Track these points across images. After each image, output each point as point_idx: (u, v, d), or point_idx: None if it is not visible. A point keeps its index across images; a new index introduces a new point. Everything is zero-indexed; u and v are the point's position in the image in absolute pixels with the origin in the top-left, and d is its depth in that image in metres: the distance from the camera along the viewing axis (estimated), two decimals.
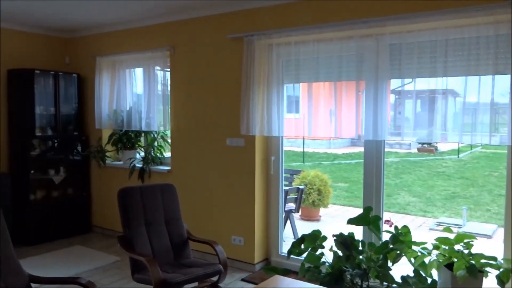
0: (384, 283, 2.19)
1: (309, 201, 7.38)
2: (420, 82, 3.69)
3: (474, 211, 8.87)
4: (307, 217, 7.68)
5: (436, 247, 2.17)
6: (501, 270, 2.02)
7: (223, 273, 3.55)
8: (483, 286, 2.02)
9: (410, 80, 3.77)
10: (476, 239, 2.19)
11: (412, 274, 2.24)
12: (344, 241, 2.28)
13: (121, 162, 5.91)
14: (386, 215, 5.55)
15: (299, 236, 2.36)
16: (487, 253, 2.07)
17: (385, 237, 2.33)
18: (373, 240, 3.56)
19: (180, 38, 5.10)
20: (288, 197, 5.96)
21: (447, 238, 2.14)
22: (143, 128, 5.52)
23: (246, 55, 4.41)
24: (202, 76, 4.96)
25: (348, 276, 2.20)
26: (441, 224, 7.63)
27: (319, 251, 2.35)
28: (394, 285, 2.19)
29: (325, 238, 2.38)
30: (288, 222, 6.19)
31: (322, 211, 7.98)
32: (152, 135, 5.80)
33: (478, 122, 3.41)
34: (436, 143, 12.47)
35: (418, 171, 12.41)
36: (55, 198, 5.82)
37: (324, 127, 4.29)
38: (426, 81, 3.64)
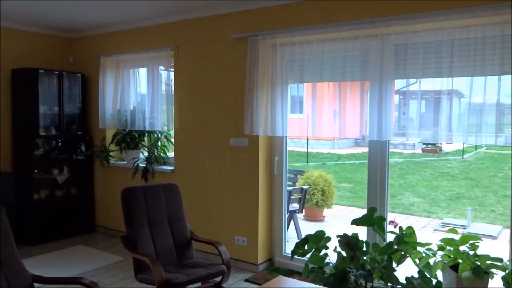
0: (389, 284, 2.17)
1: (312, 201, 7.36)
2: (425, 83, 3.67)
3: (479, 212, 8.84)
4: (310, 218, 7.67)
5: (441, 248, 2.15)
6: (507, 271, 2.00)
7: (227, 273, 3.55)
8: (488, 287, 2.01)
9: (415, 80, 3.75)
10: (481, 240, 2.17)
11: (416, 275, 2.22)
12: (348, 241, 2.26)
13: (125, 162, 5.92)
14: (390, 216, 5.53)
15: (303, 236, 2.34)
16: (492, 254, 2.05)
17: (390, 238, 2.31)
18: (378, 241, 3.55)
19: (184, 38, 5.09)
20: (291, 197, 5.94)
21: (452, 239, 2.12)
22: (147, 128, 5.52)
23: (250, 55, 4.40)
24: (206, 76, 4.95)
25: (352, 277, 2.19)
26: (445, 225, 7.60)
27: (323, 252, 2.33)
28: (399, 286, 2.17)
29: (329, 238, 2.37)
30: (292, 222, 6.18)
31: (326, 211, 7.97)
32: (155, 135, 5.80)
33: (483, 122, 3.39)
34: (441, 143, 12.44)
35: (423, 172, 12.38)
36: (59, 197, 5.83)
37: (328, 127, 4.27)
38: (431, 82, 3.62)
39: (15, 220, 5.40)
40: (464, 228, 7.31)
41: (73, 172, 5.99)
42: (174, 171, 5.33)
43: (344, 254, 2.26)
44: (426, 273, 2.20)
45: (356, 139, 14.72)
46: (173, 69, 5.26)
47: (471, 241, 2.10)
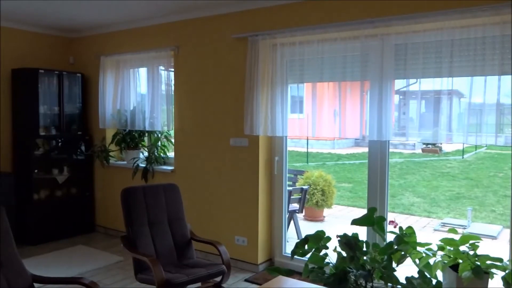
0: (389, 284, 2.17)
1: (312, 201, 7.36)
2: (425, 83, 3.67)
3: (479, 212, 8.84)
4: (310, 218, 7.67)
5: (441, 248, 2.15)
6: (507, 271, 2.00)
7: (227, 273, 3.55)
8: (488, 287, 2.01)
9: (415, 80, 3.75)
10: (481, 240, 2.17)
11: (416, 275, 2.22)
12: (348, 241, 2.26)
13: (125, 162, 5.92)
14: (390, 216, 5.53)
15: (303, 236, 2.34)
16: (492, 254, 2.05)
17: (390, 238, 2.31)
18: (378, 241, 3.55)
19: (184, 38, 5.09)
20: (291, 197, 5.94)
21: (452, 239, 2.12)
22: (147, 128, 5.52)
23: (250, 55, 4.40)
24: (206, 76, 4.95)
25: (352, 277, 2.19)
26: (445, 225, 7.60)
27: (323, 252, 2.33)
28: (399, 286, 2.17)
29: (329, 238, 2.37)
30: (292, 222, 6.18)
31: (326, 211, 7.97)
32: (155, 135, 5.80)
33: (483, 122, 3.39)
34: (441, 143, 12.44)
35: (423, 172, 12.38)
36: (59, 197, 5.83)
37: (328, 127, 4.27)
38: (431, 82, 3.62)
39: (15, 220, 5.40)
40: (464, 228, 7.31)
41: (73, 172, 5.99)
42: (174, 171, 5.32)
43: (344, 254, 2.26)
44: (426, 273, 2.20)
45: (356, 139, 14.72)
46: (173, 69, 5.26)
47: (471, 241, 2.10)
